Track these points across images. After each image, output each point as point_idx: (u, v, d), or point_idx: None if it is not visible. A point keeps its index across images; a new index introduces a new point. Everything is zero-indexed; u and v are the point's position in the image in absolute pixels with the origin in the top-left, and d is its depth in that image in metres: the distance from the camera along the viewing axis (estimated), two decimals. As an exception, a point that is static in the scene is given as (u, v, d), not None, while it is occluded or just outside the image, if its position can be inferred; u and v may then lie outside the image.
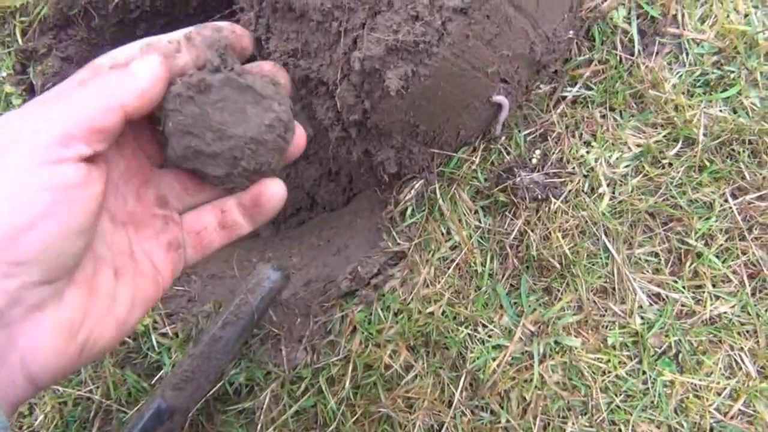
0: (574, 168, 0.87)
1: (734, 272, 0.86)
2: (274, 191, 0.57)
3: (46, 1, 0.91)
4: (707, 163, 0.85)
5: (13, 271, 0.40)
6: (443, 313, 0.89)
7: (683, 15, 0.88)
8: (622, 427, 0.85)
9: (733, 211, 0.85)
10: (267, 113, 0.53)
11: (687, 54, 0.88)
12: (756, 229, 0.86)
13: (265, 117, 0.53)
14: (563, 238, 0.86)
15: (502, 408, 0.87)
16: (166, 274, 0.54)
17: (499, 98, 0.80)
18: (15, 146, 0.41)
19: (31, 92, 0.95)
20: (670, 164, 0.86)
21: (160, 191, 0.56)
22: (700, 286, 0.86)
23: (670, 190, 0.86)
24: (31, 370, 0.42)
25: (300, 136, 0.58)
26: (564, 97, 0.90)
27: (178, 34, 0.53)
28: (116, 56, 0.50)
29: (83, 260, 0.47)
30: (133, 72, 0.47)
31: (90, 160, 0.44)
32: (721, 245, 0.86)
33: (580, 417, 0.86)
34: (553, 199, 0.86)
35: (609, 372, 0.86)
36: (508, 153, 0.90)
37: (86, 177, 0.43)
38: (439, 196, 0.90)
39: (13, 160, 0.41)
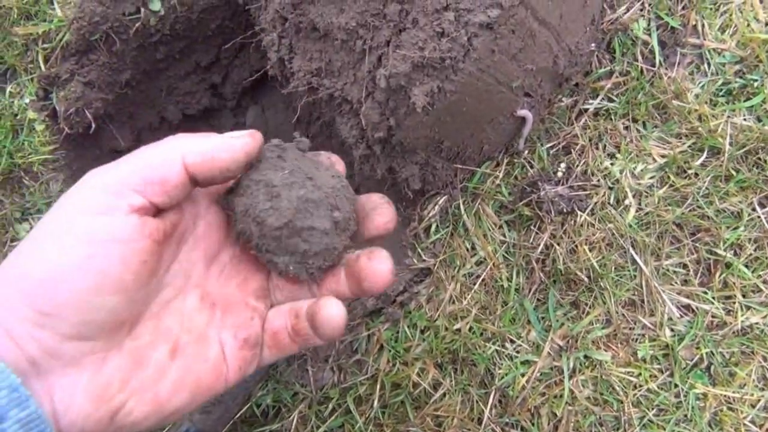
0: (598, 180, 0.87)
1: (765, 282, 0.85)
2: (330, 313, 0.49)
3: (69, 28, 0.92)
4: (733, 173, 0.85)
5: (43, 321, 0.39)
6: (470, 329, 0.88)
7: (703, 25, 0.88)
8: (656, 442, 0.84)
9: (761, 220, 0.85)
10: (327, 171, 0.54)
11: (708, 64, 0.88)
12: (785, 237, 0.85)
13: (330, 171, 0.54)
14: (590, 251, 0.86)
15: (533, 425, 0.86)
16: (233, 369, 0.50)
17: (523, 112, 0.80)
18: (73, 195, 0.41)
19: (54, 117, 0.96)
20: (696, 174, 0.86)
21: (264, 283, 0.54)
22: (730, 297, 0.85)
23: (697, 200, 0.85)
24: (60, 426, 0.41)
25: None
26: (586, 110, 0.90)
27: None
28: None
29: (139, 328, 0.45)
30: (210, 135, 0.46)
31: (149, 212, 0.43)
32: (751, 255, 0.85)
33: (612, 432, 0.85)
34: (579, 212, 0.86)
35: (640, 386, 0.85)
36: (532, 167, 0.89)
37: (134, 231, 0.42)
38: (463, 211, 0.89)
39: (65, 209, 0.40)
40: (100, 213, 0.40)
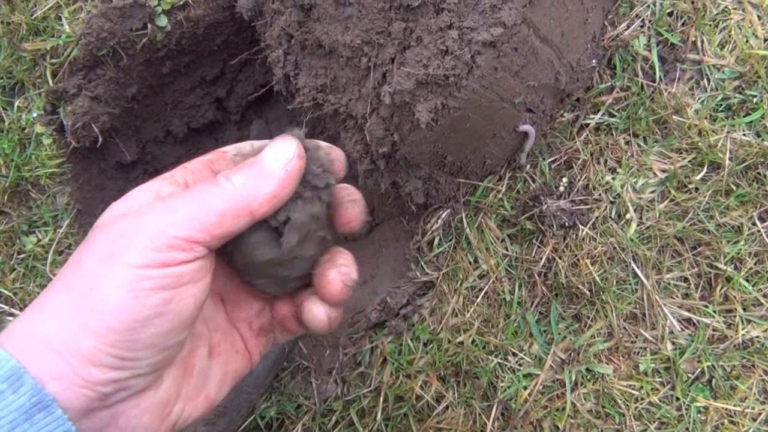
0: (600, 194, 0.88)
1: (765, 296, 0.86)
2: (312, 315, 0.51)
3: (76, 43, 0.93)
4: (734, 187, 0.86)
5: (122, 364, 0.40)
6: (473, 342, 0.89)
7: (703, 41, 0.89)
8: (658, 455, 0.84)
9: (761, 235, 0.85)
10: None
11: (708, 79, 0.89)
12: (785, 251, 0.86)
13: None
14: (592, 264, 0.86)
15: (536, 437, 0.86)
16: (255, 354, 0.53)
17: (526, 127, 0.81)
18: (133, 243, 0.41)
19: (61, 131, 0.97)
20: (697, 189, 0.87)
21: None
22: (731, 311, 0.86)
23: (698, 214, 0.86)
24: None
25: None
26: (587, 125, 0.91)
27: None
28: (240, 147, 0.50)
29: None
30: (267, 170, 0.44)
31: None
32: (751, 269, 0.86)
33: (614, 445, 0.85)
34: (581, 226, 0.87)
35: (642, 399, 0.86)
36: (534, 181, 0.90)
37: (198, 271, 0.42)
38: (466, 225, 0.90)
39: (131, 258, 0.40)
40: (171, 265, 0.41)
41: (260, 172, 0.44)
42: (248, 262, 0.48)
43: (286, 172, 0.44)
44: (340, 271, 0.50)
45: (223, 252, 0.48)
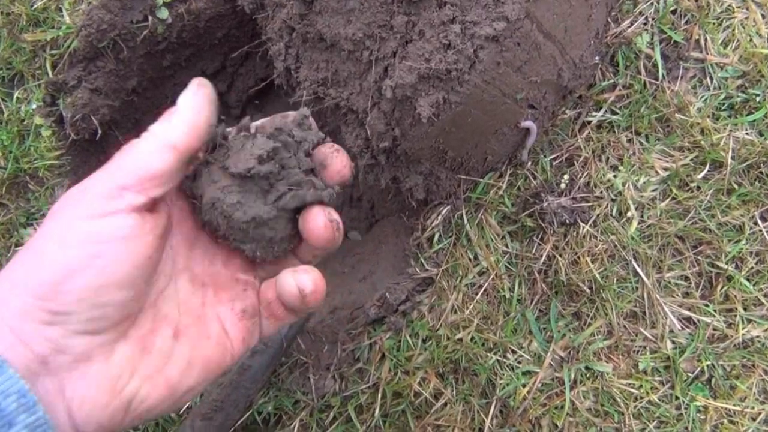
0: (601, 192, 0.87)
1: (766, 295, 0.85)
2: (284, 285, 0.51)
3: (76, 35, 0.93)
4: (736, 186, 0.85)
5: (53, 319, 0.40)
6: (472, 339, 0.89)
7: (706, 39, 0.89)
8: (657, 454, 0.84)
9: (763, 234, 0.85)
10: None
11: (711, 78, 0.89)
12: (786, 251, 0.86)
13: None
14: (592, 262, 0.86)
15: (534, 435, 0.86)
16: (237, 342, 0.52)
17: (527, 123, 0.81)
18: (71, 201, 0.43)
19: (60, 123, 0.97)
20: (698, 187, 0.86)
21: (247, 258, 0.55)
22: (731, 310, 0.86)
23: (699, 213, 0.86)
24: (76, 421, 0.42)
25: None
26: (589, 122, 0.90)
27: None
28: None
29: (140, 317, 0.47)
30: (177, 107, 0.47)
31: (147, 208, 0.44)
32: (752, 268, 0.85)
33: (613, 444, 0.85)
34: (582, 224, 0.86)
35: (641, 398, 0.85)
36: (535, 178, 0.90)
37: (136, 229, 0.43)
38: (466, 221, 0.90)
39: (65, 213, 0.42)
40: (101, 216, 0.42)
41: (172, 111, 0.46)
42: (231, 227, 0.49)
43: (193, 103, 0.46)
44: (323, 209, 0.51)
45: (209, 224, 0.50)
